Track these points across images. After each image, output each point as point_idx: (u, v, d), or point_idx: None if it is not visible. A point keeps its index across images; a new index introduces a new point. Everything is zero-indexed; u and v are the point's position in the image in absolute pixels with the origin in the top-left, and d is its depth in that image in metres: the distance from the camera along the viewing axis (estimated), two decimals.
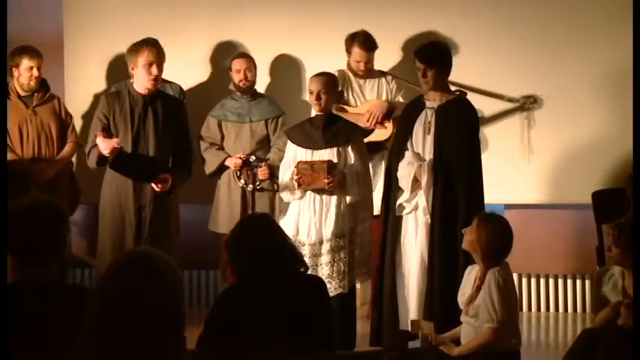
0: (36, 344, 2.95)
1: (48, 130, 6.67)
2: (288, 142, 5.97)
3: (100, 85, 7.19)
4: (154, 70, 6.08)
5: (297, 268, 3.81)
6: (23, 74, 6.66)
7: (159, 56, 6.14)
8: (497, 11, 7.05)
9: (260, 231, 3.80)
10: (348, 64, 6.88)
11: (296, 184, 5.71)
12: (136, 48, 6.14)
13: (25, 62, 6.65)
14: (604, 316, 4.61)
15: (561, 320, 7.12)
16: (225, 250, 3.85)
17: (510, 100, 7.01)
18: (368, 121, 6.60)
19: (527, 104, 7.01)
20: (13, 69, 6.68)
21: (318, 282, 3.86)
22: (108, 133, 6.00)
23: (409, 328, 5.53)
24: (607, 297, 4.78)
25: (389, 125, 6.67)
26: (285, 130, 6.21)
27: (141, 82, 6.11)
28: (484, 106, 6.94)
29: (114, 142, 5.91)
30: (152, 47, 6.14)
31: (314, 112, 6.09)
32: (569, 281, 7.24)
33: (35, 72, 6.66)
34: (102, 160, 6.00)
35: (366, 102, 6.80)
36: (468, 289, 4.78)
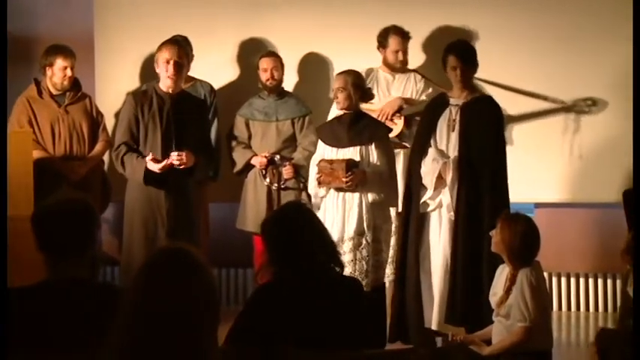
0: (66, 341, 2.97)
1: (79, 128, 6.71)
2: (319, 140, 6.00)
3: (131, 83, 7.22)
4: (171, 68, 6.01)
5: (335, 266, 3.73)
6: (57, 74, 6.69)
7: (178, 54, 6.04)
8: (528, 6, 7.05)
9: (301, 221, 3.72)
10: (384, 60, 6.88)
11: (317, 183, 5.75)
12: (160, 46, 6.11)
13: (60, 62, 6.68)
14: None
15: (592, 320, 7.09)
16: (262, 239, 3.75)
17: (554, 101, 6.99)
18: (378, 117, 6.60)
19: (582, 107, 6.98)
20: (47, 68, 6.71)
21: (356, 284, 3.79)
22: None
23: (434, 326, 5.53)
24: (630, 296, 4.77)
25: (399, 122, 6.67)
26: (316, 128, 6.23)
27: (162, 80, 6.08)
28: (510, 105, 6.94)
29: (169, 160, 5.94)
30: (171, 45, 6.07)
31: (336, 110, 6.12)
32: (599, 280, 7.20)
33: (69, 72, 6.69)
34: (149, 177, 5.99)
35: (384, 100, 6.80)
36: (499, 289, 4.76)
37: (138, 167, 6.00)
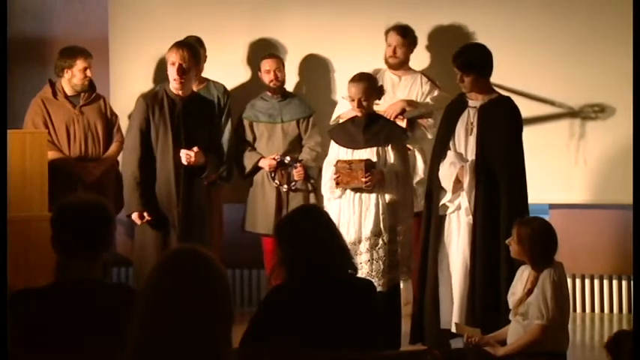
0: (79, 342, 2.99)
1: (94, 129, 6.73)
2: (332, 142, 6.00)
3: (145, 85, 7.22)
4: (174, 71, 5.93)
5: (348, 268, 3.74)
6: (77, 75, 6.70)
7: (183, 57, 5.92)
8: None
9: (314, 223, 3.73)
10: (385, 57, 6.86)
11: (334, 183, 5.75)
12: (170, 48, 6.06)
13: (80, 63, 6.69)
14: None
15: (606, 321, 7.07)
16: (276, 241, 3.76)
17: (561, 106, 6.99)
18: None
19: (590, 113, 6.97)
20: (66, 70, 6.71)
21: (368, 285, 3.79)
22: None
23: (451, 328, 5.52)
24: None
25: (401, 124, 6.65)
26: (329, 130, 6.24)
27: (170, 82, 6.03)
28: (527, 107, 6.93)
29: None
30: (177, 47, 5.95)
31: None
32: (614, 282, 7.18)
33: (89, 72, 6.72)
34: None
35: (389, 101, 6.78)
36: (519, 289, 4.76)
37: (130, 199, 6.00)
